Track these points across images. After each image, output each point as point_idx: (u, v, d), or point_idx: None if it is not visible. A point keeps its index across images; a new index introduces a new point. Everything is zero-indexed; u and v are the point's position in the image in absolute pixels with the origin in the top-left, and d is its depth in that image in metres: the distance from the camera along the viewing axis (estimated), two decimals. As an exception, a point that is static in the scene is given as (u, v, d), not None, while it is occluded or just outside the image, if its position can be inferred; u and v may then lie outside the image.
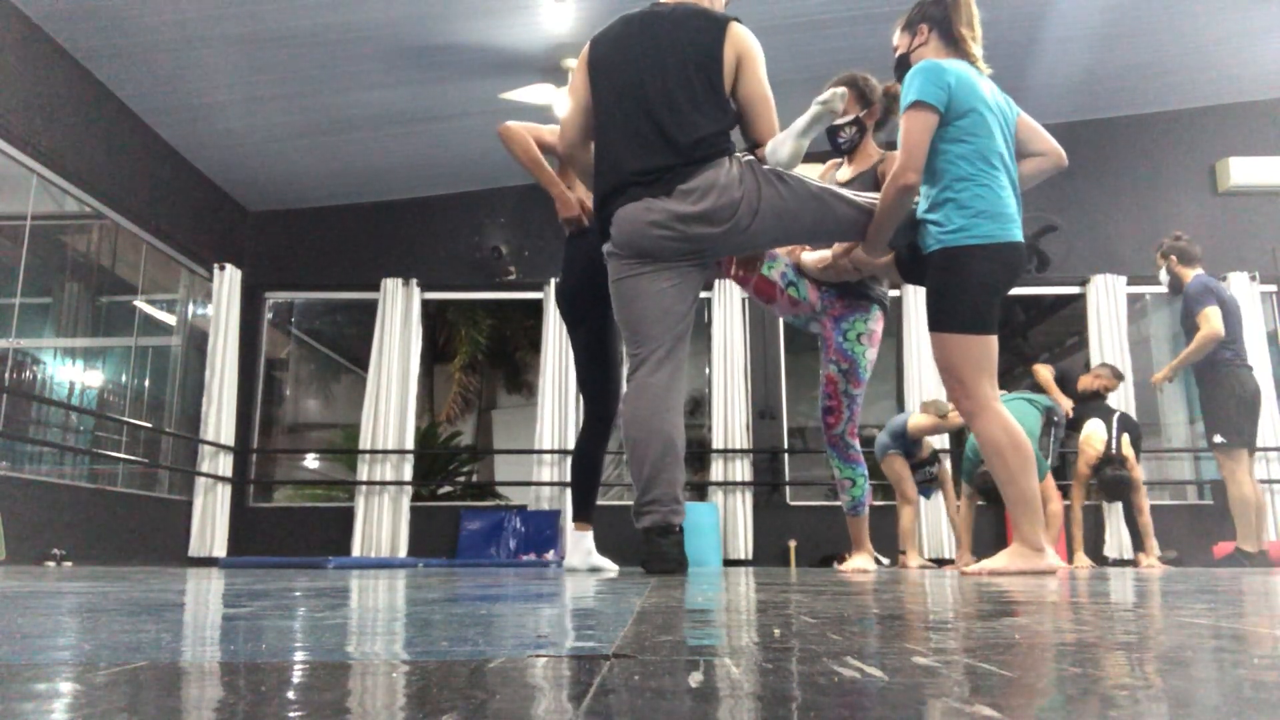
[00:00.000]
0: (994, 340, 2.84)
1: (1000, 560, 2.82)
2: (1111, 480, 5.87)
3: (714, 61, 2.75)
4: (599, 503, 3.79)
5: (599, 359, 3.63)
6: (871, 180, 3.56)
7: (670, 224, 2.69)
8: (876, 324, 3.58)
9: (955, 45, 3.00)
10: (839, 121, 3.53)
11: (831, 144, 3.60)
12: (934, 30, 3.02)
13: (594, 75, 2.89)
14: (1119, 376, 6.27)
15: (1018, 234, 2.86)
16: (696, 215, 2.68)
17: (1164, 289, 5.90)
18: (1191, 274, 5.58)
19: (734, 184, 2.69)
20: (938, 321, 2.86)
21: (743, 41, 2.78)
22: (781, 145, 2.73)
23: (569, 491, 5.08)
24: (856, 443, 3.71)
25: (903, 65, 3.08)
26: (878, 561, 7.13)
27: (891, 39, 3.16)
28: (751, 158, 2.78)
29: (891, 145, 3.70)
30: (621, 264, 2.82)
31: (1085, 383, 6.21)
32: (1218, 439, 5.37)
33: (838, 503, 3.94)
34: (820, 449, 3.96)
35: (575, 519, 3.70)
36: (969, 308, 2.80)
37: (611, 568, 3.68)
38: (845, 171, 3.69)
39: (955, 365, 2.82)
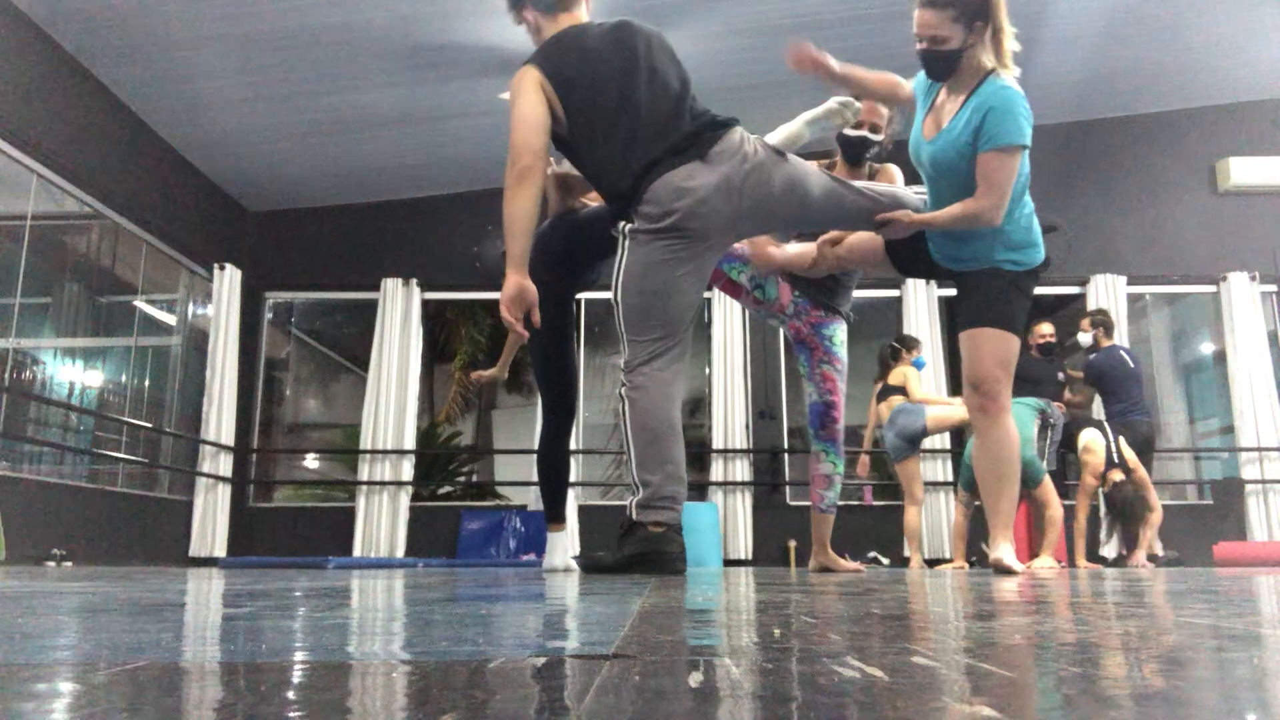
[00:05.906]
0: None
1: (1009, 559, 2.93)
2: (1127, 501, 5.81)
3: (677, 61, 2.82)
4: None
5: (558, 347, 3.62)
6: None
7: (713, 186, 2.65)
8: (845, 335, 3.79)
9: (996, 41, 2.80)
10: (870, 136, 3.63)
11: (851, 155, 3.67)
12: (986, 28, 2.77)
13: (566, 86, 2.72)
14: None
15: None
16: (732, 174, 2.66)
17: (1164, 289, 6.10)
18: (1108, 344, 6.44)
19: (751, 149, 2.71)
20: (1003, 320, 2.96)
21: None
22: (785, 127, 2.75)
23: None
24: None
25: (950, 61, 2.80)
26: (877, 561, 7.14)
27: (925, 25, 2.78)
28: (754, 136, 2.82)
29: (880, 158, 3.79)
30: (658, 244, 2.65)
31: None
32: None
33: (839, 502, 3.95)
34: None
35: (550, 520, 3.72)
36: (1022, 316, 3.02)
37: None
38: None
39: (1007, 361, 2.98)
